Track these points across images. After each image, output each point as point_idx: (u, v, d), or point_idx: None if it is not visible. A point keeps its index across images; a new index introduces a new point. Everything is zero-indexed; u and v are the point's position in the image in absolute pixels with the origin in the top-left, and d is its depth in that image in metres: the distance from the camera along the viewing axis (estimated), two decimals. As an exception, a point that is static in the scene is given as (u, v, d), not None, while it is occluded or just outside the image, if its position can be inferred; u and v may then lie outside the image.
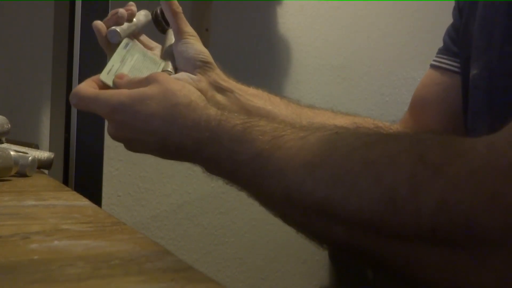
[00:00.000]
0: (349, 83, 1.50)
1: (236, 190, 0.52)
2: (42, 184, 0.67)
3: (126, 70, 0.64)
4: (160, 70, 0.67)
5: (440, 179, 0.33)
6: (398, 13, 1.55)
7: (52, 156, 0.80)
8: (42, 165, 0.79)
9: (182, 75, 0.65)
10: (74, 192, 0.62)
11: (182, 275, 0.31)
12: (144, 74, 0.63)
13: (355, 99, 1.51)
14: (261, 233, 1.41)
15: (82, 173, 0.88)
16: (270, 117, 0.65)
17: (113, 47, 0.66)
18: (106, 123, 0.63)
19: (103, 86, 0.62)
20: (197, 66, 0.66)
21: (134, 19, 0.69)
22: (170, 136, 0.53)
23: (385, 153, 0.37)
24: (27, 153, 0.72)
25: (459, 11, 0.72)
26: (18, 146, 0.78)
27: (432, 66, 0.76)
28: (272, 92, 0.71)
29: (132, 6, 0.68)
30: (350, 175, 0.38)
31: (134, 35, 0.69)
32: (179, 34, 0.67)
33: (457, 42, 0.72)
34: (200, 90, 0.62)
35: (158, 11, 0.70)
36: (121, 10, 0.66)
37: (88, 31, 0.80)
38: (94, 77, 0.63)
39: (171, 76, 0.64)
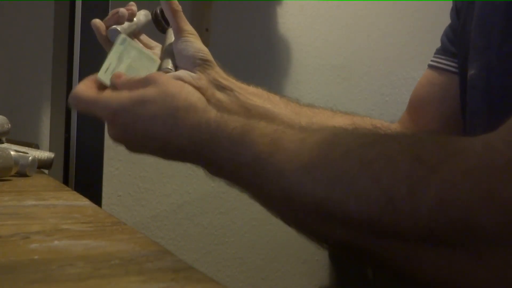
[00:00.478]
0: (349, 83, 1.50)
1: (236, 190, 0.52)
2: (42, 184, 0.67)
3: (123, 68, 0.64)
4: (156, 67, 0.67)
5: (437, 178, 0.33)
6: (398, 13, 1.55)
7: (52, 156, 0.80)
8: (42, 165, 0.79)
9: (182, 73, 0.65)
10: (74, 192, 0.62)
11: (182, 275, 0.31)
12: (141, 72, 0.63)
13: (355, 99, 1.51)
14: (261, 233, 1.41)
15: (82, 173, 0.89)
16: (269, 115, 0.66)
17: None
18: (106, 124, 0.63)
19: (101, 85, 0.62)
20: (197, 64, 0.66)
21: (135, 19, 0.69)
22: (171, 139, 0.53)
23: (382, 153, 0.38)
24: (27, 153, 0.72)
25: (457, 11, 0.72)
26: (18, 146, 0.78)
27: (430, 66, 0.76)
28: (271, 91, 0.71)
29: (133, 5, 0.69)
30: (348, 175, 0.38)
31: (134, 34, 0.70)
32: (179, 33, 0.67)
33: (455, 42, 0.72)
34: (199, 88, 0.62)
35: (158, 11, 0.70)
36: (122, 10, 0.66)
37: (88, 31, 0.80)
38: (92, 77, 0.63)
39: (171, 74, 0.64)
